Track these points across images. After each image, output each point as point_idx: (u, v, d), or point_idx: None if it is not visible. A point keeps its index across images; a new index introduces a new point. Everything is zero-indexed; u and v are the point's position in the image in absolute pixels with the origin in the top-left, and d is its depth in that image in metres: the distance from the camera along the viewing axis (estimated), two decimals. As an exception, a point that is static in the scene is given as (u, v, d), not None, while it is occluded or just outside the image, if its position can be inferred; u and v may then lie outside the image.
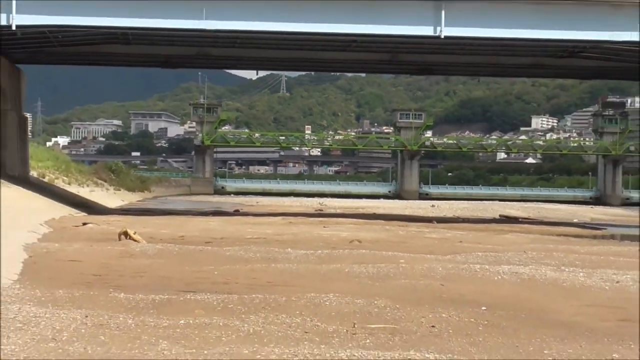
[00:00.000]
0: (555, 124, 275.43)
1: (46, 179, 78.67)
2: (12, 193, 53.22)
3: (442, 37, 59.92)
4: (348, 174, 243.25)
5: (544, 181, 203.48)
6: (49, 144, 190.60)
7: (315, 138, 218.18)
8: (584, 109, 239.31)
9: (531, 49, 66.07)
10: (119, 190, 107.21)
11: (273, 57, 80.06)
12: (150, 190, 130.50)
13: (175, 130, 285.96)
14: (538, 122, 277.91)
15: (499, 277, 24.62)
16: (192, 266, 25.24)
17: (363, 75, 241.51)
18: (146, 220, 49.43)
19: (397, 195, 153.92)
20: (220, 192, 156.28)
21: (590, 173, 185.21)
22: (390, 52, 70.53)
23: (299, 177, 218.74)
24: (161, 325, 15.10)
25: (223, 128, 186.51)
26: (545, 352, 13.85)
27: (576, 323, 17.02)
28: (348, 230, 47.43)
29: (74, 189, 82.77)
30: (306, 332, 14.87)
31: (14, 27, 57.51)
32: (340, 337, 14.53)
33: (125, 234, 34.64)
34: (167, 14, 59.25)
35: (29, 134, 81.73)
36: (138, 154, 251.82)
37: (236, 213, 70.10)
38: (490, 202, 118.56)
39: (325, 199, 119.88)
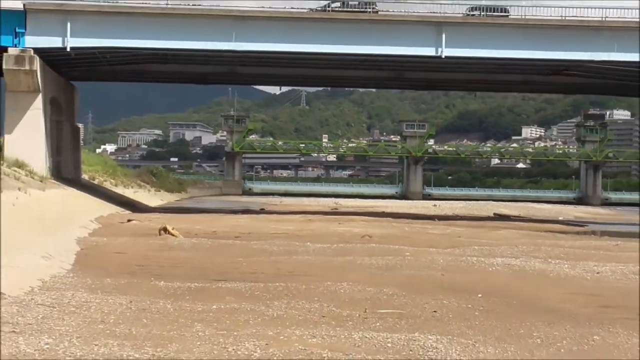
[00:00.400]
0: (542, 133, 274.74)
1: (96, 181, 78.72)
2: (67, 193, 53.23)
3: (443, 57, 60.03)
4: (360, 177, 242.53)
5: (532, 184, 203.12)
6: (98, 150, 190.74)
7: (331, 145, 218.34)
8: (568, 120, 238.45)
9: (521, 67, 65.93)
10: (159, 191, 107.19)
11: (294, 75, 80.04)
12: (186, 191, 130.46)
13: (208, 138, 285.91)
14: (527, 131, 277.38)
15: (493, 268, 24.60)
16: (223, 258, 25.25)
17: (373, 90, 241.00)
18: (183, 218, 49.42)
19: (403, 196, 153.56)
20: (248, 192, 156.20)
21: (573, 176, 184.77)
22: (397, 70, 70.43)
23: (317, 179, 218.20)
24: (196, 309, 15.14)
25: (250, 137, 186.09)
26: (534, 334, 13.84)
27: (561, 309, 16.99)
28: (360, 226, 47.33)
29: (119, 190, 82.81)
30: (323, 316, 14.88)
31: (68, 49, 57.77)
32: (354, 321, 14.54)
33: (165, 229, 34.67)
34: (202, 37, 59.42)
35: (81, 141, 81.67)
36: (176, 159, 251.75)
37: (262, 211, 69.98)
38: (485, 202, 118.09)
39: (340, 199, 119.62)
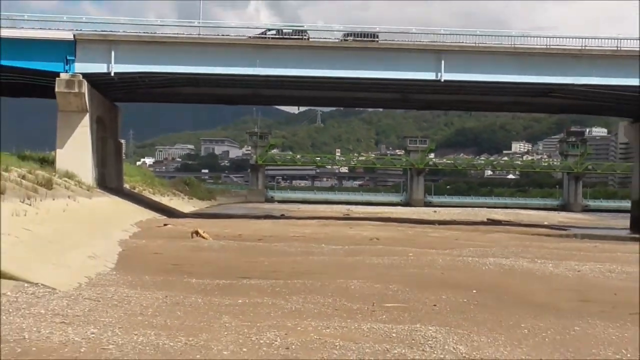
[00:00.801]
0: (530, 148, 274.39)
1: (136, 190, 78.82)
2: (110, 201, 53.34)
3: (442, 80, 60.06)
4: (369, 186, 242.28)
5: (521, 192, 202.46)
6: (138, 163, 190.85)
7: (344, 159, 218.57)
8: (552, 137, 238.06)
9: (511, 90, 65.79)
10: (192, 199, 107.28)
11: (311, 96, 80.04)
12: (215, 199, 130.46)
13: (235, 152, 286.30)
14: (517, 146, 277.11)
15: (486, 267, 24.54)
16: (248, 258, 25.26)
17: (380, 110, 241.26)
18: (212, 222, 49.45)
19: (407, 203, 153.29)
20: (270, 200, 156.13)
21: (557, 186, 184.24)
22: (401, 92, 70.40)
23: (331, 189, 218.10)
24: (224, 303, 15.16)
25: (272, 151, 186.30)
26: (522, 325, 13.83)
27: (546, 303, 16.98)
28: (369, 230, 47.27)
29: (157, 198, 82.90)
30: (336, 310, 14.89)
31: (112, 74, 58.01)
32: (363, 314, 14.54)
33: (196, 232, 34.70)
34: (229, 63, 59.58)
35: (123, 155, 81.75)
36: (206, 171, 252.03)
37: (282, 217, 69.96)
38: (480, 208, 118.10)
39: (351, 206, 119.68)
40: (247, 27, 65.59)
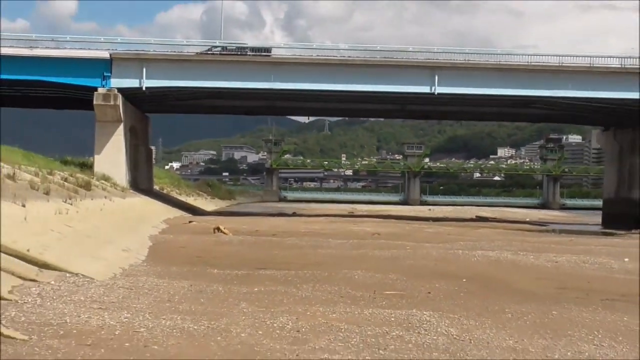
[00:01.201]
0: (513, 153, 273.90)
1: (164, 191, 78.85)
2: (142, 200, 53.38)
3: (436, 94, 60.07)
4: (371, 187, 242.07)
5: (506, 192, 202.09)
6: (166, 167, 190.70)
7: (348, 163, 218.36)
8: (534, 143, 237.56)
9: (497, 101, 65.68)
10: (214, 199, 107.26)
11: (320, 107, 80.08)
12: (235, 199, 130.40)
13: (252, 157, 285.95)
14: (502, 151, 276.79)
15: (475, 258, 24.56)
16: (263, 251, 25.29)
17: (381, 119, 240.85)
18: (232, 220, 49.47)
19: (405, 202, 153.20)
20: (283, 200, 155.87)
21: (538, 187, 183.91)
22: (400, 104, 70.26)
23: (337, 189, 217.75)
24: (242, 291, 15.17)
25: (285, 156, 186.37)
26: (506, 310, 13.83)
27: (528, 290, 16.98)
28: (371, 226, 47.27)
29: (183, 198, 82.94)
30: (341, 297, 14.90)
31: (144, 89, 58.16)
32: (365, 300, 14.55)
33: (218, 228, 34.73)
34: (247, 78, 59.64)
35: (153, 160, 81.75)
36: (227, 174, 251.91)
37: (294, 215, 69.94)
38: (469, 207, 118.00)
39: (355, 205, 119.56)
40: (265, 47, 65.45)
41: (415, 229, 45.70)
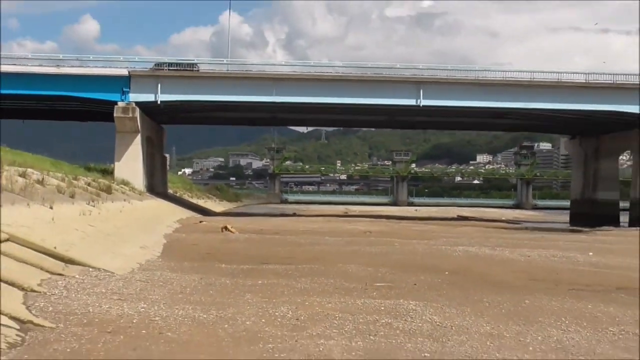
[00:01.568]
0: (491, 159, 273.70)
1: (178, 194, 78.84)
2: (157, 203, 53.36)
3: (421, 106, 60.15)
4: (363, 190, 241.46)
5: (484, 194, 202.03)
6: (179, 173, 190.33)
7: (343, 168, 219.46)
8: (509, 150, 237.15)
9: (476, 113, 65.70)
10: (222, 201, 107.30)
11: (317, 118, 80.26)
12: (241, 201, 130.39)
13: (257, 164, 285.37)
14: (481, 158, 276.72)
15: (456, 253, 24.58)
16: (267, 248, 25.27)
17: (373, 129, 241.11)
18: (238, 220, 49.48)
19: (394, 203, 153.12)
20: (285, 202, 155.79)
21: (512, 189, 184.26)
22: (389, 115, 70.29)
23: (333, 192, 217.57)
24: (247, 284, 15.16)
25: (286, 162, 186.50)
26: (484, 299, 13.83)
27: (503, 282, 16.99)
28: (363, 225, 47.26)
29: (194, 200, 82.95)
30: (336, 288, 14.89)
31: (158, 102, 58.20)
32: (358, 291, 14.54)
33: (226, 227, 34.73)
34: (251, 92, 59.68)
35: (167, 166, 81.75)
36: (234, 178, 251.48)
37: (294, 215, 69.95)
38: (451, 207, 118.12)
39: (349, 206, 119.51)
40: (265, 64, 65.79)
41: (403, 227, 45.74)
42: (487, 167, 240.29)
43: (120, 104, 56.98)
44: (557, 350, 9.56)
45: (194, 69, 60.92)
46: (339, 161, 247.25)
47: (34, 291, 11.77)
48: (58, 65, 58.80)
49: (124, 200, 39.74)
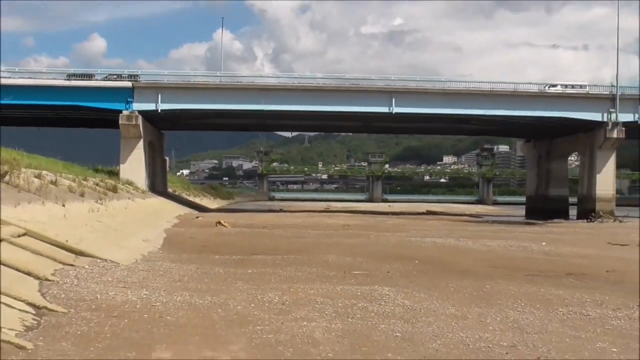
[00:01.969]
0: (456, 160, 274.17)
1: (176, 193, 78.55)
2: (158, 200, 53.22)
3: (393, 113, 60.31)
4: (342, 188, 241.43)
5: (450, 191, 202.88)
6: (178, 173, 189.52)
7: (324, 169, 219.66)
8: (472, 152, 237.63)
9: (442, 119, 65.85)
10: (216, 199, 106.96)
11: (301, 124, 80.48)
12: (233, 199, 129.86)
13: (247, 165, 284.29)
14: (447, 159, 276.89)
15: (425, 244, 24.65)
16: (256, 240, 25.24)
17: (350, 134, 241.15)
18: (231, 215, 49.41)
19: (370, 200, 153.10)
20: (272, 199, 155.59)
21: (475, 187, 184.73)
22: (364, 121, 70.39)
23: (315, 190, 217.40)
24: (238, 273, 15.14)
25: (273, 164, 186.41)
26: (449, 285, 13.87)
27: (467, 269, 17.04)
28: (342, 219, 47.35)
29: (191, 198, 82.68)
30: (318, 276, 14.90)
31: (159, 111, 58.16)
32: (337, 279, 14.54)
33: (219, 222, 34.68)
34: (242, 101, 59.68)
35: (167, 168, 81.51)
36: (227, 178, 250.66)
37: (280, 211, 69.85)
38: (421, 203, 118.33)
39: (329, 202, 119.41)
40: (254, 76, 65.68)
41: (378, 222, 45.80)
42: (452, 167, 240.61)
43: (125, 112, 56.88)
44: (514, 328, 9.62)
45: (137, 79, 59.99)
46: (321, 162, 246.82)
47: (48, 280, 11.73)
48: (69, 78, 58.79)
49: (129, 198, 39.67)
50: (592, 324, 10.14)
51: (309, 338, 8.61)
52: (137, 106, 57.63)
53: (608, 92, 60.82)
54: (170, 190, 75.28)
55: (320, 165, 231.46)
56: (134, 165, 56.97)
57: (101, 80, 59.71)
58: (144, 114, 57.92)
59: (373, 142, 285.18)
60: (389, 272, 16.04)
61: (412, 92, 60.85)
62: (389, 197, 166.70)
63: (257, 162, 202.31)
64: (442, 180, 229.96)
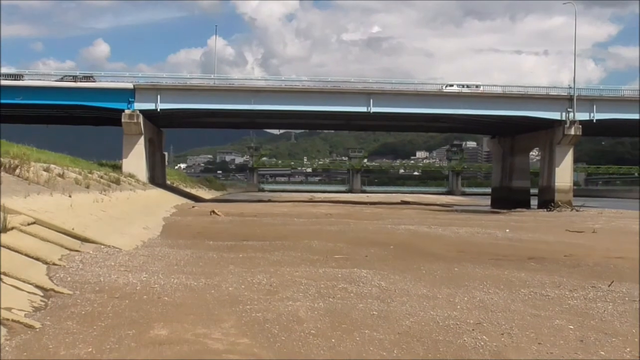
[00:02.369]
0: (428, 155, 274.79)
1: (174, 185, 78.25)
2: (158, 192, 53.02)
3: (371, 112, 60.23)
4: (325, 181, 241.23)
5: (422, 183, 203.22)
6: (176, 167, 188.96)
7: (309, 163, 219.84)
8: (442, 147, 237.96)
9: (415, 117, 65.94)
10: (211, 190, 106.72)
11: (288, 123, 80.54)
12: (226, 190, 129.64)
13: (239, 159, 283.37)
14: (420, 154, 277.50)
15: (400, 231, 24.64)
16: (247, 227, 25.18)
17: (333, 131, 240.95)
18: (224, 205, 49.29)
19: (349, 191, 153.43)
20: (261, 190, 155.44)
21: (445, 179, 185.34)
22: (345, 120, 70.37)
23: (301, 182, 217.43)
24: (230, 257, 15.09)
25: (262, 159, 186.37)
26: (421, 268, 13.88)
27: (437, 254, 17.06)
28: (325, 208, 47.35)
29: (188, 189, 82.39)
30: (303, 260, 14.86)
31: (158, 110, 57.90)
32: (320, 262, 14.51)
33: (213, 211, 34.63)
34: (234, 101, 59.49)
35: (166, 162, 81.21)
36: (220, 172, 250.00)
37: (269, 201, 69.71)
38: (396, 194, 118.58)
39: (313, 193, 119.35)
40: (245, 79, 65.57)
41: (357, 211, 45.83)
42: (424, 161, 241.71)
43: (127, 111, 56.63)
44: (480, 307, 9.63)
45: (91, 80, 58.73)
46: (305, 157, 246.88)
47: (55, 264, 11.64)
48: (76, 80, 58.55)
49: (130, 190, 39.48)
50: (550, 304, 10.17)
51: (294, 316, 8.59)
52: (138, 106, 57.38)
53: (566, 93, 61.09)
54: (168, 182, 75.02)
55: (305, 160, 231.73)
56: (136, 160, 56.79)
57: (58, 80, 58.49)
58: (145, 113, 57.68)
59: (353, 138, 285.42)
60: (366, 256, 16.04)
61: (388, 93, 60.88)
62: (367, 188, 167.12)
63: (248, 156, 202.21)
64: (416, 173, 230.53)
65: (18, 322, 7.46)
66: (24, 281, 9.29)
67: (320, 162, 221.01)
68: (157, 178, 64.27)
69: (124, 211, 25.89)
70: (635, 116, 61.23)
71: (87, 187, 27.67)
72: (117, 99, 57.21)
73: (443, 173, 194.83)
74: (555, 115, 60.60)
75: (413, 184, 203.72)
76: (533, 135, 66.89)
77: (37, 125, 73.63)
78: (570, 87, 61.50)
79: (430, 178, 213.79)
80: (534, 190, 69.60)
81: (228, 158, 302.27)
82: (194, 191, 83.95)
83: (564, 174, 61.63)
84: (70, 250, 13.62)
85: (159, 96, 57.91)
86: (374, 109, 60.11)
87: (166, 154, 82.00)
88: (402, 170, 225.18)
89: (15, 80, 57.60)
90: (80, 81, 58.11)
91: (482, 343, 7.53)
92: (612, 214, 47.09)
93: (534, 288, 11.58)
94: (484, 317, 8.90)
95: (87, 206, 21.49)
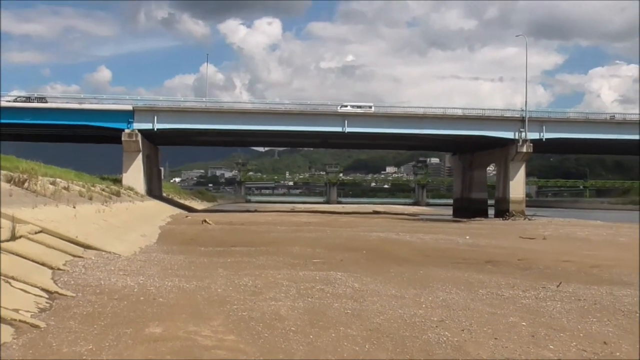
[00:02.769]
0: (396, 170, 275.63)
1: (170, 197, 77.90)
2: (154, 203, 52.69)
3: (346, 132, 60.50)
4: (305, 193, 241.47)
5: (392, 195, 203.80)
6: (171, 181, 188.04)
7: (291, 177, 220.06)
8: (409, 163, 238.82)
9: (385, 136, 66.12)
10: (203, 201, 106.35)
11: (271, 141, 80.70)
12: (217, 201, 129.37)
13: (228, 174, 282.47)
14: (389, 169, 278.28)
15: (372, 237, 24.67)
16: (235, 235, 25.09)
17: (312, 149, 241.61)
18: (214, 215, 49.08)
19: (327, 202, 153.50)
20: (248, 202, 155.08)
21: (412, 191, 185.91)
22: (323, 138, 70.52)
23: (283, 194, 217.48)
24: (219, 261, 14.99)
25: (249, 173, 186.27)
26: (391, 271, 13.85)
27: (405, 258, 17.07)
28: (305, 217, 47.34)
29: (182, 201, 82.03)
30: (285, 264, 14.80)
31: (155, 129, 57.86)
32: (300, 266, 14.46)
33: (205, 220, 34.46)
34: (224, 122, 59.64)
35: (162, 176, 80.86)
36: (211, 185, 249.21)
37: (255, 211, 69.53)
38: (369, 204, 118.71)
39: (295, 204, 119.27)
40: (234, 102, 65.77)
41: (333, 219, 45.87)
42: (393, 175, 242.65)
43: (127, 131, 56.52)
44: (443, 306, 9.63)
45: (44, 101, 58.11)
46: (287, 172, 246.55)
47: (60, 269, 11.49)
48: (80, 102, 58.59)
49: (129, 201, 39.15)
50: (506, 303, 10.19)
51: (276, 315, 8.54)
52: (137, 125, 57.24)
53: (519, 115, 61.73)
54: (164, 194, 74.59)
55: (287, 174, 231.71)
56: (134, 174, 56.57)
57: (15, 101, 57.78)
58: (143, 132, 57.49)
59: (330, 155, 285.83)
60: (342, 260, 16.00)
61: (361, 115, 61.12)
62: (343, 199, 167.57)
63: (236, 171, 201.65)
64: (386, 186, 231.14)
65: (25, 322, 7.37)
66: (31, 285, 9.16)
67: (300, 177, 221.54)
68: (154, 190, 63.91)
69: (124, 220, 25.66)
70: (580, 135, 62.05)
71: (90, 198, 27.41)
72: (117, 120, 56.99)
73: (410, 186, 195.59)
74: (509, 135, 61.14)
75: (383, 195, 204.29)
76: (490, 152, 67.42)
77: (45, 143, 73.16)
78: (522, 110, 62.18)
79: (398, 190, 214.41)
80: (491, 201, 70.01)
81: (218, 173, 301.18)
82: (187, 202, 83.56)
83: (518, 186, 62.17)
84: (74, 256, 13.45)
85: (155, 117, 57.71)
86: (348, 129, 60.30)
87: (162, 169, 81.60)
88: (373, 184, 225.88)
89: (40, 102, 57.29)
90: (34, 102, 57.41)
91: (445, 338, 7.52)
92: (560, 223, 47.54)
93: (491, 289, 11.60)
94: (447, 315, 8.89)
95: (90, 216, 21.27)
